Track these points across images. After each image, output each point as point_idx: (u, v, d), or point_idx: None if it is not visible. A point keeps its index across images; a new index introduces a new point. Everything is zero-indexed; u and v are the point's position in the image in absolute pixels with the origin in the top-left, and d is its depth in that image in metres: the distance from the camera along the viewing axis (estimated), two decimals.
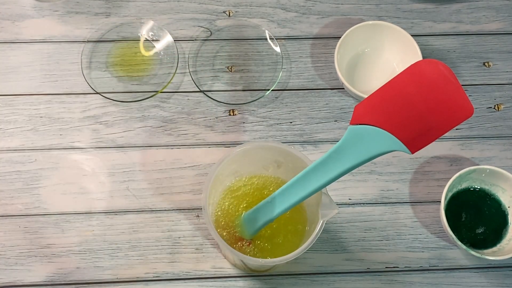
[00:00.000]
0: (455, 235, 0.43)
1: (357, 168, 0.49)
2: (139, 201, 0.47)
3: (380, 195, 0.48)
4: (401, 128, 0.30)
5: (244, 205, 0.42)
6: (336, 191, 0.48)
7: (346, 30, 0.51)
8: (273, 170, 0.43)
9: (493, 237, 0.46)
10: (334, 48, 0.50)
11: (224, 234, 0.41)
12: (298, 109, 0.52)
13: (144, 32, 0.54)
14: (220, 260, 0.45)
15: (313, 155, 0.49)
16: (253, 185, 0.43)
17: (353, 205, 0.48)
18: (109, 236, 0.46)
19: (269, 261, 0.38)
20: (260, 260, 0.39)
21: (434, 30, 0.56)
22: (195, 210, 0.47)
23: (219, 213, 0.42)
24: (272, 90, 0.52)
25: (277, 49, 0.54)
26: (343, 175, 0.33)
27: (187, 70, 0.53)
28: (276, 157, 0.41)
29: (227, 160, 0.39)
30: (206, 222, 0.37)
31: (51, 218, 0.46)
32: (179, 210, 0.47)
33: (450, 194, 0.46)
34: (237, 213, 0.41)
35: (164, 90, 0.52)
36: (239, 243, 0.41)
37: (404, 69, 0.31)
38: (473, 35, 0.56)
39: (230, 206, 0.42)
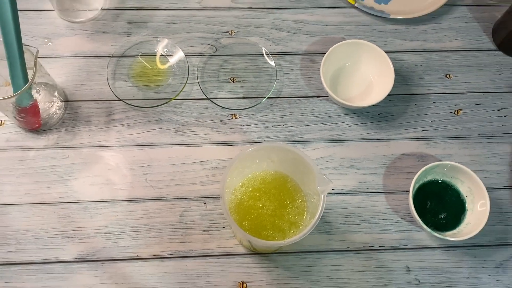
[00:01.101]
0: (421, 220, 0.43)
1: (339, 164, 0.50)
2: (155, 191, 0.47)
3: (359, 186, 0.49)
4: None
5: (257, 194, 0.42)
6: None
7: (330, 47, 0.51)
8: (270, 165, 0.43)
9: (453, 222, 0.46)
10: (320, 62, 0.50)
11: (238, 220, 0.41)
12: (290, 113, 0.52)
13: (160, 49, 0.54)
14: (224, 241, 0.45)
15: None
16: (259, 180, 0.43)
17: (335, 195, 0.48)
18: (130, 220, 0.46)
19: (273, 243, 0.38)
20: (266, 242, 0.38)
21: (404, 47, 0.56)
22: (203, 199, 0.47)
23: (232, 200, 0.42)
24: (268, 97, 0.52)
25: (272, 63, 0.54)
26: None
27: (196, 81, 0.53)
28: (270, 154, 0.41)
29: (239, 159, 0.38)
30: (222, 208, 0.37)
31: (81, 205, 0.46)
32: (189, 198, 0.47)
33: (417, 185, 0.46)
34: (245, 203, 0.41)
35: (177, 98, 0.52)
36: None
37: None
38: (437, 51, 0.56)
39: (242, 196, 0.42)
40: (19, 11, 0.40)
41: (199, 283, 0.44)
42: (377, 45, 0.51)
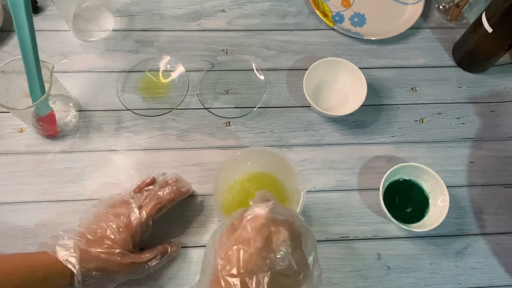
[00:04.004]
0: (390, 213, 0.44)
1: (320, 165, 0.50)
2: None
3: (336, 184, 0.49)
4: None
5: (248, 192, 0.42)
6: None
7: (312, 64, 0.51)
8: (258, 167, 0.43)
9: (418, 215, 0.46)
10: (303, 77, 0.51)
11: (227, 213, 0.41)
12: (277, 121, 0.52)
13: (163, 65, 0.54)
14: None
15: (288, 155, 0.49)
16: (248, 179, 0.43)
17: (316, 192, 0.48)
18: None
19: None
20: None
21: (376, 64, 0.57)
22: (200, 196, 0.47)
23: (225, 198, 0.42)
24: (258, 107, 0.53)
25: (262, 77, 0.54)
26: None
27: (195, 93, 0.53)
28: (258, 157, 0.41)
29: (229, 162, 0.38)
30: (214, 204, 0.37)
31: (93, 202, 0.45)
32: (189, 196, 0.47)
33: (386, 183, 0.46)
34: (236, 200, 0.41)
35: (178, 107, 0.52)
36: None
37: None
38: (404, 68, 0.57)
39: (234, 194, 0.42)
40: (39, 31, 0.41)
41: (197, 270, 0.44)
42: (352, 62, 0.52)
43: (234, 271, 0.26)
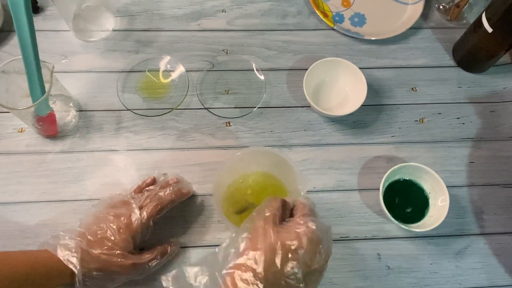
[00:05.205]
0: (390, 213, 0.44)
1: (320, 165, 0.50)
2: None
3: (337, 184, 0.49)
4: None
5: (249, 192, 0.42)
6: None
7: (312, 64, 0.51)
8: (259, 167, 0.43)
9: (418, 215, 0.46)
10: (303, 77, 0.51)
11: (230, 215, 0.41)
12: (277, 121, 0.52)
13: (163, 65, 0.54)
14: (219, 233, 0.45)
15: (288, 155, 0.50)
16: (248, 179, 0.43)
17: (316, 192, 0.48)
18: None
19: None
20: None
21: (376, 64, 0.57)
22: (201, 196, 0.47)
23: (225, 197, 0.42)
24: (258, 107, 0.53)
25: (262, 77, 0.54)
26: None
27: (195, 93, 0.53)
28: (258, 157, 0.41)
29: (229, 162, 0.38)
30: (215, 204, 0.36)
31: (93, 202, 0.45)
32: (189, 196, 0.46)
33: (386, 183, 0.46)
34: (236, 199, 0.41)
35: (178, 107, 0.52)
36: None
37: None
38: (404, 68, 0.57)
39: (232, 194, 0.42)
40: (39, 31, 0.41)
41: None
42: (353, 62, 0.52)
43: (257, 267, 0.28)
